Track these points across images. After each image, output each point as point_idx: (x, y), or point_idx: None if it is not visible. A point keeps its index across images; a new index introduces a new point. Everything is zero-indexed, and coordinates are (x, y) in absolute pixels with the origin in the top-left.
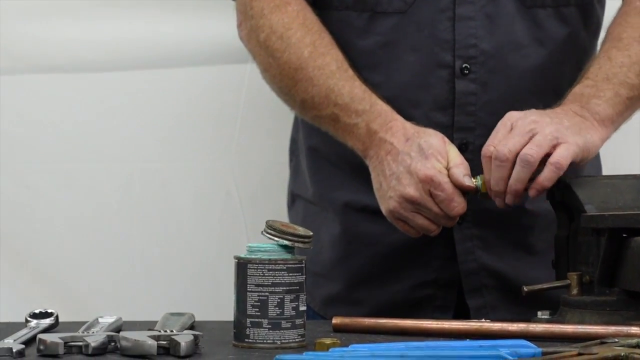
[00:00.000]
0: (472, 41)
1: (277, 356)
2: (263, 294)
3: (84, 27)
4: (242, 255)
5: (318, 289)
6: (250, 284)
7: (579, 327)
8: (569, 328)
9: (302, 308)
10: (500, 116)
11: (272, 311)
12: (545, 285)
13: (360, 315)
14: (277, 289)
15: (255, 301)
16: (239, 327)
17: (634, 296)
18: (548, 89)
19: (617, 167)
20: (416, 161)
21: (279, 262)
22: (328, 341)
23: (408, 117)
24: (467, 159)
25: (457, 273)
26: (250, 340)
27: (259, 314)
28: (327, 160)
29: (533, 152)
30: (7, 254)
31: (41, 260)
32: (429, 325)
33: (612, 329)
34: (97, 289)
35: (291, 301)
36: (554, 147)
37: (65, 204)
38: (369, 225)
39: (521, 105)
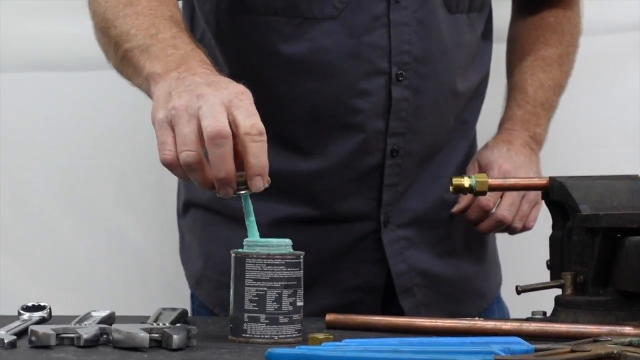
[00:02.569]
0: (406, 47)
1: (268, 350)
2: (261, 288)
3: (79, 24)
4: (240, 250)
5: None
6: (248, 279)
7: (573, 326)
8: (562, 327)
9: (300, 303)
10: (427, 120)
11: (270, 306)
12: (539, 285)
13: None
14: (275, 284)
15: (253, 296)
16: (236, 322)
17: (627, 296)
18: (467, 92)
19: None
20: (235, 83)
21: (277, 256)
22: (321, 336)
23: (346, 125)
24: (396, 164)
25: (383, 277)
26: (247, 335)
27: (256, 308)
28: None
29: (519, 225)
30: (0, 248)
31: (35, 254)
32: (421, 323)
33: (605, 328)
34: (91, 284)
35: (289, 296)
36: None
37: (60, 199)
38: (294, 235)
39: (444, 108)
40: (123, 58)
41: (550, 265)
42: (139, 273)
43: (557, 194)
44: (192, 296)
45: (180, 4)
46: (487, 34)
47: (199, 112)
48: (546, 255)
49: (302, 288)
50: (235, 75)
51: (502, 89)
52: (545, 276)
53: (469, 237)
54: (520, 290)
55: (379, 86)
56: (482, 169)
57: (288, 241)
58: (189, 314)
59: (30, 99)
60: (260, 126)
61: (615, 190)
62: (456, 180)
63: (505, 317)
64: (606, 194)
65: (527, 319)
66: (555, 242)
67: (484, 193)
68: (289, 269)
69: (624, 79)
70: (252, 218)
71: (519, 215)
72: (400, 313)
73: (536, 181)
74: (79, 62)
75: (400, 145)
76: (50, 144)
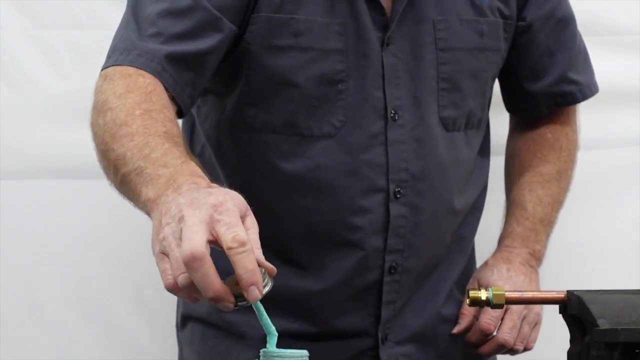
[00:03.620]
0: (403, 165)
1: None
2: None
3: None
4: None
5: None
6: None
7: None
8: None
9: None
10: (424, 237)
11: None
12: None
13: None
14: None
15: None
16: None
17: None
18: (464, 209)
19: None
20: (216, 193)
21: None
22: None
23: (344, 242)
24: (394, 280)
25: None
26: None
27: None
28: None
29: (520, 347)
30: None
31: None
32: None
33: None
34: None
35: None
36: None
37: (76, 308)
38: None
39: (442, 225)
40: (122, 182)
41: None
42: None
43: (575, 308)
44: None
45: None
46: (484, 149)
47: (181, 235)
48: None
49: None
50: (235, 190)
51: (500, 201)
52: None
53: (468, 352)
54: None
55: (376, 203)
56: None
57: (305, 352)
58: None
59: (45, 206)
60: (241, 236)
61: (634, 305)
62: (473, 293)
63: None
64: (625, 309)
65: None
66: (573, 358)
67: (501, 306)
68: None
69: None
70: (264, 318)
71: (520, 337)
72: None
73: (554, 295)
74: (95, 169)
75: (398, 262)
76: (65, 252)
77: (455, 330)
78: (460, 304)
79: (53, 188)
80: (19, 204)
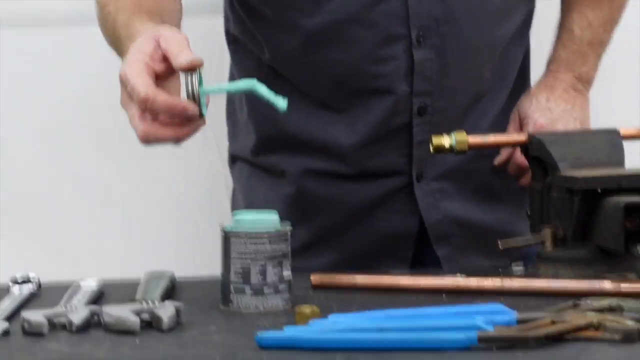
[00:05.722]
0: (424, 12)
1: (258, 334)
2: (245, 262)
3: None
4: (228, 226)
5: None
6: (233, 252)
7: (553, 282)
8: (543, 284)
9: (286, 273)
10: (455, 76)
11: (255, 278)
12: (519, 242)
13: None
14: (259, 257)
15: (239, 269)
16: (225, 292)
17: (606, 251)
18: (503, 40)
19: None
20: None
21: (263, 235)
22: (307, 310)
23: (370, 89)
24: (425, 121)
25: (416, 225)
26: (234, 306)
27: (241, 281)
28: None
29: None
30: None
31: (26, 213)
32: (406, 282)
33: (584, 284)
34: (79, 244)
35: (274, 267)
36: None
37: (46, 158)
38: (327, 187)
39: (476, 61)
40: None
41: (530, 215)
42: (127, 233)
43: (536, 150)
44: None
45: None
46: None
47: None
48: None
49: (290, 258)
50: (269, 48)
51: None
52: None
53: (509, 184)
54: (502, 248)
55: (399, 51)
56: (521, 121)
57: (275, 217)
58: None
59: (33, 56)
60: (125, 75)
61: (593, 146)
62: (436, 140)
63: None
64: (585, 150)
65: (509, 276)
66: (534, 194)
67: (464, 152)
68: (272, 245)
69: None
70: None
71: None
72: (436, 260)
73: (515, 138)
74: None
75: (427, 103)
76: (47, 108)
77: (496, 162)
78: None
79: (54, 35)
80: (22, 51)
